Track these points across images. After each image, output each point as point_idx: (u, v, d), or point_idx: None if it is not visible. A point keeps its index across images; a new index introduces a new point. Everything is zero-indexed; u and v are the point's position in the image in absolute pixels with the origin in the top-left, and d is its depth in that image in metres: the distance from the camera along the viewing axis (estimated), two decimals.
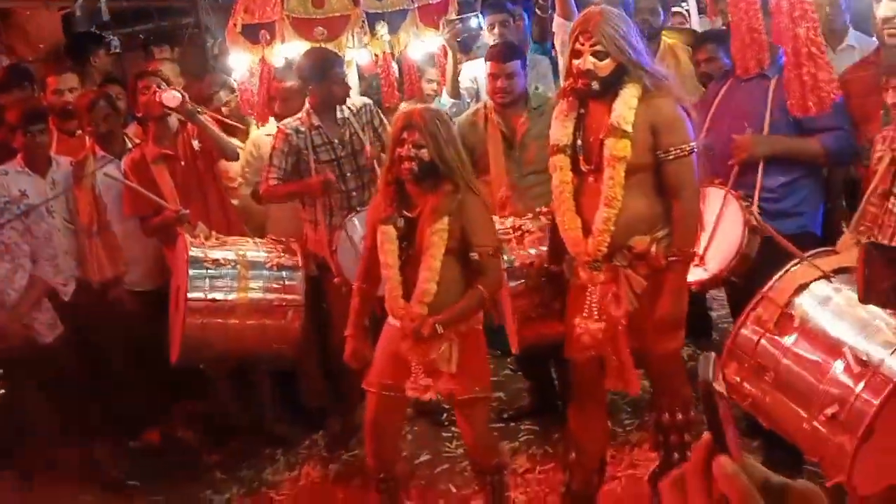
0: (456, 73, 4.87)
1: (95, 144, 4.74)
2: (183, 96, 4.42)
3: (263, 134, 4.92)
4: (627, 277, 3.21)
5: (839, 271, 2.96)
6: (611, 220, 3.14)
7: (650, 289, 3.21)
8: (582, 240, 3.24)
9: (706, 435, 0.85)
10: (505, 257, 3.63)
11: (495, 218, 3.72)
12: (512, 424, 4.62)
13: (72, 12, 6.45)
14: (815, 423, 2.72)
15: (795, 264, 3.03)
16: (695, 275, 3.48)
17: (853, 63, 4.03)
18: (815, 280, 2.95)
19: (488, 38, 5.07)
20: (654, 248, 3.19)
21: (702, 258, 3.31)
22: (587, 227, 3.23)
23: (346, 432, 4.72)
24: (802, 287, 2.95)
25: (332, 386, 4.83)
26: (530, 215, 3.88)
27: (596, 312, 3.27)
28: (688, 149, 3.14)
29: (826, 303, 2.90)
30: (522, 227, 3.83)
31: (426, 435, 4.69)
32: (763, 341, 2.96)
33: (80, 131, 4.93)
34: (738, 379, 3.04)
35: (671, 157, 3.14)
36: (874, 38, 4.06)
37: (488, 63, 4.36)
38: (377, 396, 3.49)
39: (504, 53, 4.32)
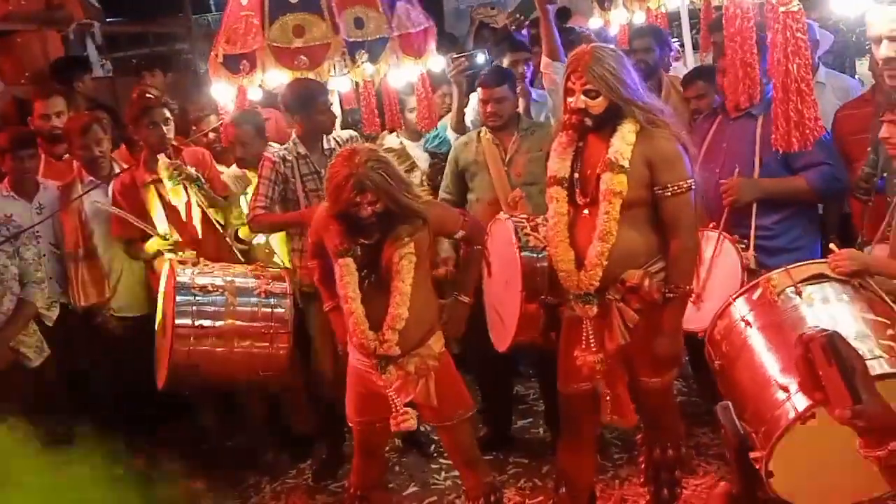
0: (461, 109, 4.90)
1: (83, 169, 4.71)
2: (190, 186, 4.46)
3: (232, 174, 4.91)
4: (620, 311, 3.21)
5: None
6: (604, 255, 3.14)
7: (646, 324, 3.20)
8: (574, 272, 3.23)
9: (723, 485, 0.88)
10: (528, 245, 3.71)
11: (503, 215, 3.91)
12: (500, 457, 4.57)
13: (66, 36, 6.44)
14: (774, 390, 2.71)
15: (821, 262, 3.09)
16: (697, 321, 3.47)
17: (829, 98, 4.13)
18: (838, 280, 2.98)
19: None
20: (647, 282, 3.18)
21: (699, 296, 3.29)
22: (581, 260, 3.22)
23: (333, 462, 4.68)
24: (822, 277, 2.98)
25: (320, 415, 4.79)
26: (542, 217, 3.89)
27: (593, 344, 3.26)
28: (685, 185, 3.14)
29: (840, 296, 2.92)
30: (536, 219, 3.85)
31: (414, 467, 4.64)
32: (765, 302, 2.99)
33: (67, 155, 4.90)
34: (719, 336, 3.07)
35: (669, 193, 3.14)
36: (845, 76, 4.12)
37: (479, 89, 4.47)
38: (361, 428, 3.55)
39: (493, 79, 4.43)
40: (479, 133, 4.53)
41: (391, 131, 5.17)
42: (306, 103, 4.36)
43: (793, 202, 3.86)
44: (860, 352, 2.70)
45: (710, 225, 3.75)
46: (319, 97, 4.40)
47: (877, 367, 2.62)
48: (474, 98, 5.09)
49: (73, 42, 6.75)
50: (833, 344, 1.19)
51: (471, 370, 4.61)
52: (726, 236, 3.71)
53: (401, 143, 5.07)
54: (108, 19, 7.08)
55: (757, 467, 2.84)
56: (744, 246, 3.70)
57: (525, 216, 3.93)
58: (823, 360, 1.20)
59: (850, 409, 1.21)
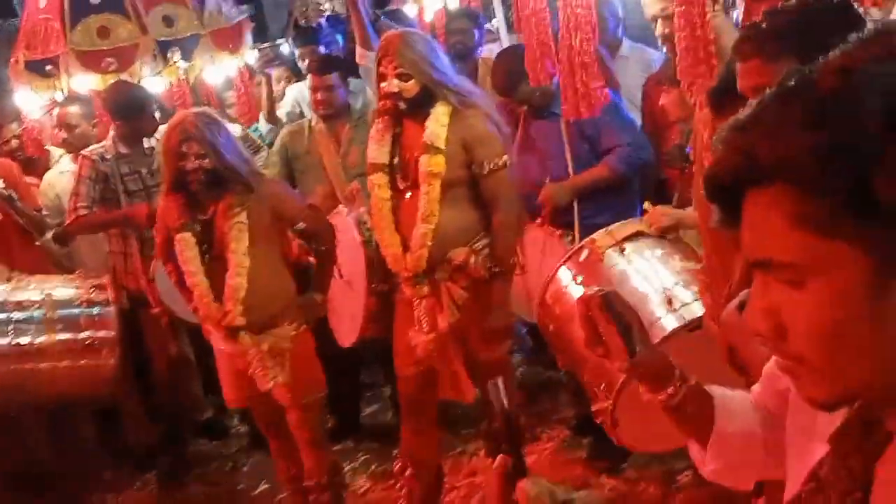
0: (272, 99, 4.83)
1: None
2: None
3: (56, 173, 4.71)
4: (448, 290, 3.28)
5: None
6: (428, 236, 3.20)
7: (476, 300, 3.28)
8: (402, 256, 3.28)
9: (500, 459, 0.90)
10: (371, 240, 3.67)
11: (343, 209, 3.85)
12: (350, 445, 4.57)
13: None
14: None
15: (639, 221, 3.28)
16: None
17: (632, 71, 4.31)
18: (655, 236, 3.19)
19: (303, 68, 5.05)
20: (472, 259, 3.26)
21: (523, 268, 3.40)
22: (406, 243, 3.27)
23: (178, 468, 4.57)
24: (641, 234, 3.18)
25: (159, 422, 4.65)
26: None
27: (426, 325, 3.31)
28: (501, 162, 3.23)
29: (657, 250, 3.13)
30: None
31: (263, 465, 4.57)
32: (591, 262, 3.16)
33: None
34: (551, 301, 3.20)
35: (486, 171, 3.23)
36: (648, 48, 4.36)
37: (308, 77, 4.44)
38: (251, 405, 3.59)
39: (321, 66, 4.39)
40: (309, 122, 4.47)
41: None
42: (130, 110, 4.22)
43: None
44: (684, 298, 2.93)
45: (538, 221, 3.83)
46: (145, 107, 4.28)
47: (696, 309, 2.87)
48: (290, 91, 5.06)
49: None
50: (609, 303, 1.32)
51: None
52: (553, 232, 3.82)
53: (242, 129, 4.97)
54: None
55: (599, 421, 2.99)
56: (570, 238, 3.81)
57: (364, 209, 3.91)
58: (602, 318, 1.32)
59: (627, 361, 1.35)
